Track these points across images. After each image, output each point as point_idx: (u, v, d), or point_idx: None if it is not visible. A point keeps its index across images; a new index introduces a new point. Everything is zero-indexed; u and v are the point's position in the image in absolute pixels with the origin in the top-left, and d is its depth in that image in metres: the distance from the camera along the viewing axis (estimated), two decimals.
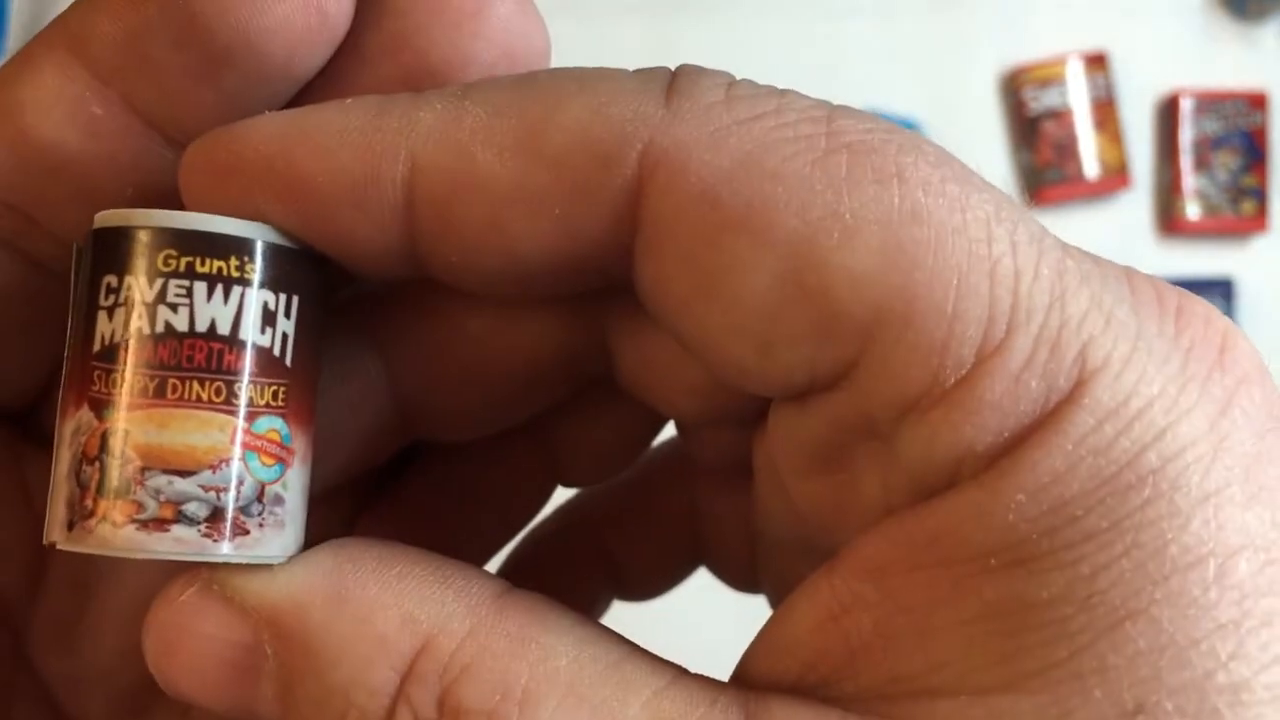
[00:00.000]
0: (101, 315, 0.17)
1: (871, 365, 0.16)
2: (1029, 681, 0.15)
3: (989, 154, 0.96)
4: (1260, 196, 0.96)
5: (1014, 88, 0.95)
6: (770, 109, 0.16)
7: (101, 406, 0.16)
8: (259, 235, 0.17)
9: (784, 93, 0.17)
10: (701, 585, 0.27)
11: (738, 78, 0.17)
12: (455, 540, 0.23)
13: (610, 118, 0.16)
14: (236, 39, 0.17)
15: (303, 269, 0.18)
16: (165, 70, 0.17)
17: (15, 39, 0.88)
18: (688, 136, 0.16)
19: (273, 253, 0.17)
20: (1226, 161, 0.95)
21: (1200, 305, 0.17)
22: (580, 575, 0.26)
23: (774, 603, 0.23)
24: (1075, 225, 0.94)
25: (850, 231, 0.15)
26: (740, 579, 0.24)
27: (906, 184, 0.16)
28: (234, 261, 0.17)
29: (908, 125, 0.94)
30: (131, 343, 0.16)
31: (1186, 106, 0.95)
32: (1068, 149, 0.94)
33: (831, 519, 0.18)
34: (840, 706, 0.16)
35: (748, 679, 0.17)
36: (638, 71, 0.17)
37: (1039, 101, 0.94)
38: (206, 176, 0.17)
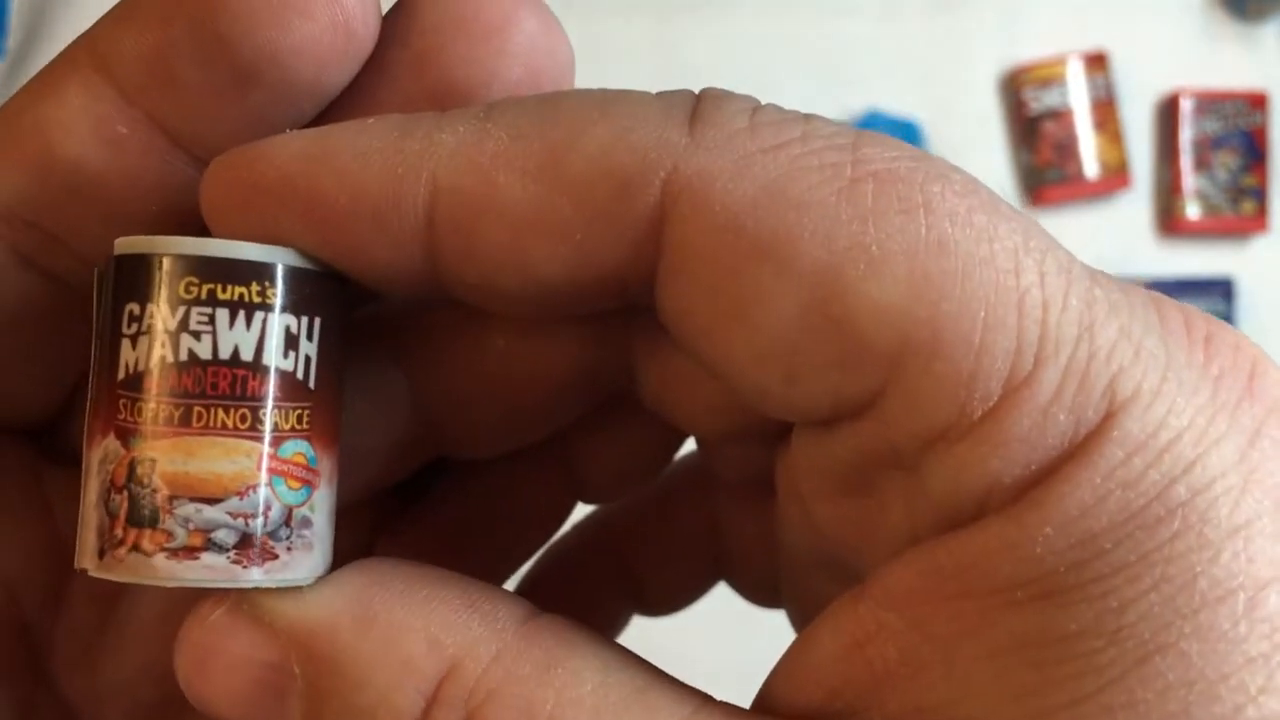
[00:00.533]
0: (125, 343, 0.17)
1: (897, 396, 0.16)
2: (1056, 715, 0.15)
3: (989, 154, 0.96)
4: (1260, 196, 0.96)
5: (1014, 88, 0.95)
6: (795, 136, 0.16)
7: (128, 435, 0.16)
8: (279, 260, 0.17)
9: (809, 118, 0.17)
10: (718, 603, 0.27)
11: (763, 103, 0.17)
12: (477, 557, 0.23)
13: (633, 145, 0.16)
14: (263, 57, 0.17)
15: (324, 291, 0.18)
16: (191, 89, 0.17)
17: (15, 39, 0.88)
18: (711, 165, 0.16)
19: (294, 276, 0.17)
20: (1226, 161, 0.95)
21: (1230, 333, 0.17)
22: (601, 591, 0.26)
23: (794, 619, 0.23)
24: (1075, 225, 0.94)
25: (876, 262, 0.15)
26: (761, 594, 0.24)
27: (933, 214, 0.15)
28: (255, 287, 0.17)
29: (908, 125, 0.94)
30: (155, 371, 0.16)
31: (1186, 106, 0.95)
32: (1068, 149, 0.94)
33: (855, 543, 0.18)
34: None
35: (771, 706, 0.17)
36: (661, 95, 0.17)
37: (1039, 101, 0.94)
38: (228, 195, 0.17)
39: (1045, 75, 0.94)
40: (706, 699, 0.17)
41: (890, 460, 0.16)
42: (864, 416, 0.16)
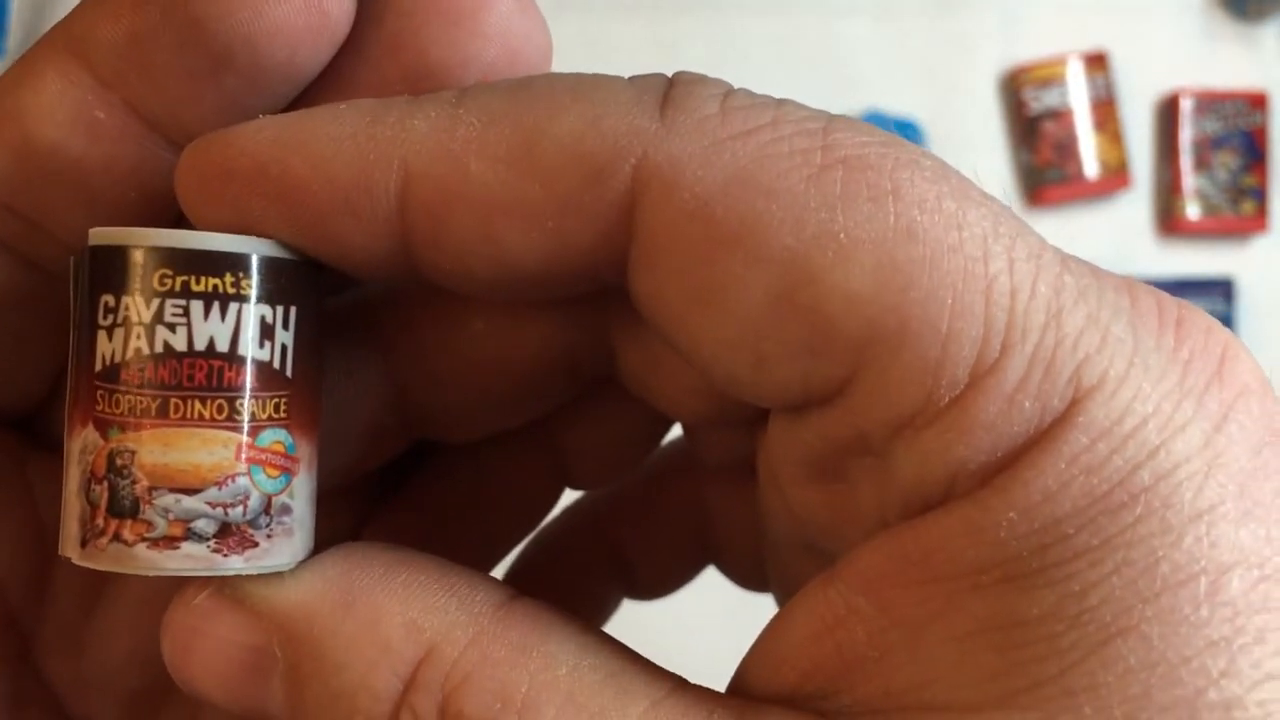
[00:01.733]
0: (101, 335, 0.17)
1: (866, 383, 0.16)
2: (1020, 698, 0.15)
3: (989, 154, 0.96)
4: (1260, 196, 0.96)
5: (1014, 88, 0.95)
6: (766, 122, 0.16)
7: (106, 426, 0.17)
8: (253, 250, 0.17)
9: (781, 103, 0.17)
10: (702, 589, 0.27)
11: (735, 86, 0.17)
12: (464, 542, 0.23)
13: (603, 131, 0.16)
14: (238, 40, 0.17)
15: (299, 279, 0.18)
16: (167, 73, 0.17)
17: (15, 39, 0.88)
18: (681, 151, 0.16)
19: (268, 266, 0.17)
20: (1226, 161, 0.95)
21: (1201, 317, 0.17)
22: (590, 576, 0.26)
23: (780, 602, 0.23)
24: (1075, 225, 0.94)
25: (844, 250, 0.15)
26: (748, 578, 0.25)
27: (902, 201, 0.15)
28: (229, 278, 0.17)
29: (908, 125, 0.94)
30: (132, 363, 0.17)
31: (1186, 106, 0.95)
32: (1068, 149, 0.94)
33: (829, 526, 0.18)
34: None
35: (745, 689, 0.17)
36: (634, 80, 0.17)
37: (1039, 101, 0.94)
38: (201, 181, 0.17)
39: (1045, 75, 0.94)
40: (681, 682, 0.17)
41: (860, 446, 0.16)
42: (834, 403, 0.16)
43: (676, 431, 0.23)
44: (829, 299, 0.15)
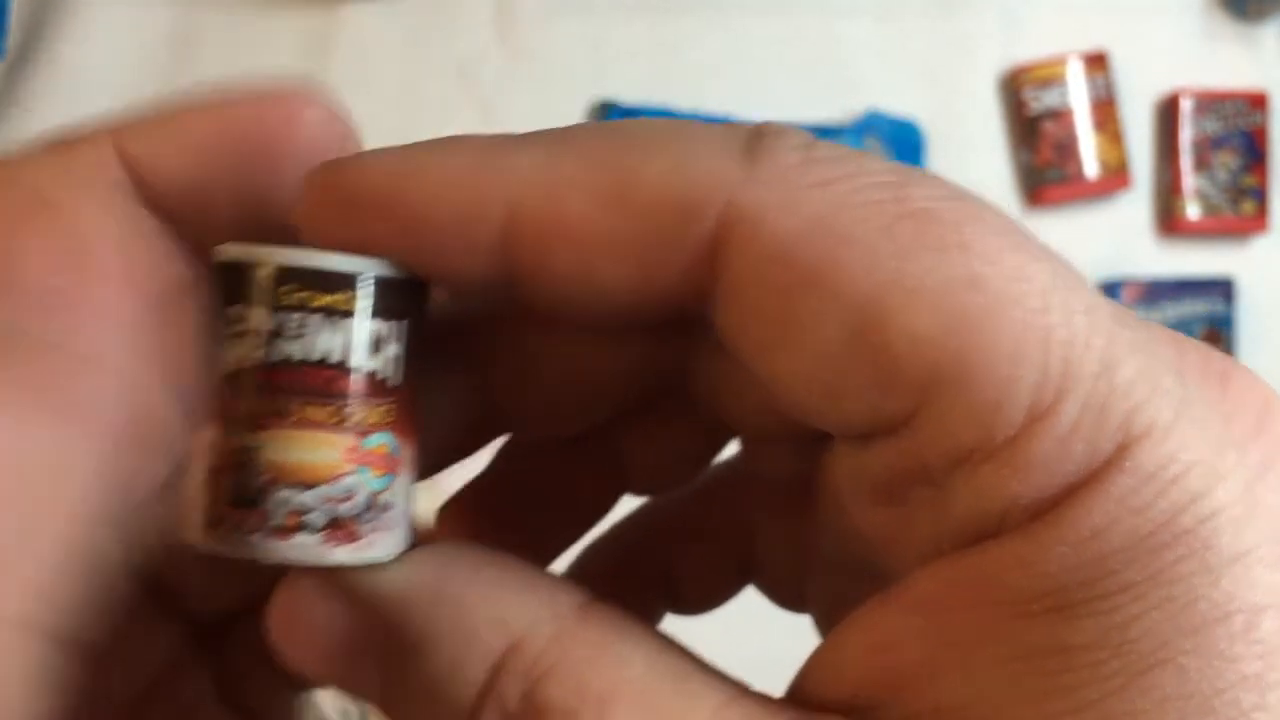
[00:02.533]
0: (229, 341, 0.19)
1: (928, 419, 0.17)
2: (1062, 719, 0.16)
3: (989, 154, 0.96)
4: (1260, 196, 0.96)
5: (1014, 88, 0.95)
6: (844, 173, 0.18)
7: (232, 425, 0.19)
8: (368, 270, 0.19)
9: (861, 156, 0.18)
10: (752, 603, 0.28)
11: (816, 139, 0.18)
12: (528, 535, 0.25)
13: (692, 177, 0.18)
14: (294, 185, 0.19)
15: (407, 296, 0.20)
16: (221, 215, 0.20)
17: (15, 39, 0.88)
18: (765, 198, 0.17)
19: (380, 285, 0.19)
20: (1226, 161, 0.95)
21: (1245, 373, 0.18)
22: (637, 587, 0.27)
23: (820, 621, 0.25)
24: (1075, 225, 0.94)
25: (913, 296, 0.17)
26: (787, 597, 0.26)
27: (968, 253, 0.17)
28: (345, 295, 0.19)
29: (908, 125, 0.94)
30: (255, 370, 0.19)
31: (1186, 106, 0.95)
32: (1068, 149, 0.94)
33: (885, 548, 0.19)
34: None
35: (802, 698, 0.19)
36: (722, 128, 0.19)
37: (1039, 101, 0.94)
38: (323, 206, 0.19)
39: (1045, 75, 0.94)
40: (744, 688, 0.18)
41: (920, 475, 0.18)
42: (898, 434, 0.17)
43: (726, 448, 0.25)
44: (897, 340, 0.17)
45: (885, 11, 0.95)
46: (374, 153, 0.19)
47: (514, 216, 0.18)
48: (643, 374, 0.22)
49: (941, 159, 0.93)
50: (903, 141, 0.91)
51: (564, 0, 0.91)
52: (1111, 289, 0.92)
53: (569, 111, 0.89)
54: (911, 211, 0.17)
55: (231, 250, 0.19)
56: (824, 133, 0.89)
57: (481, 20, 0.90)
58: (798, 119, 0.90)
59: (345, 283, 0.19)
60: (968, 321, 0.17)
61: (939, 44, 0.95)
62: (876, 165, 0.18)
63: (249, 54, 0.89)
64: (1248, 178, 0.96)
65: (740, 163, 0.18)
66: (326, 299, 0.18)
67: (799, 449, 0.22)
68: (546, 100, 0.89)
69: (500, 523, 0.25)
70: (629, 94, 0.89)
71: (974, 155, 0.95)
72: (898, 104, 0.93)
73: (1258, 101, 0.96)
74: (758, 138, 0.18)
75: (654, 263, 0.18)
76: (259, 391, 0.18)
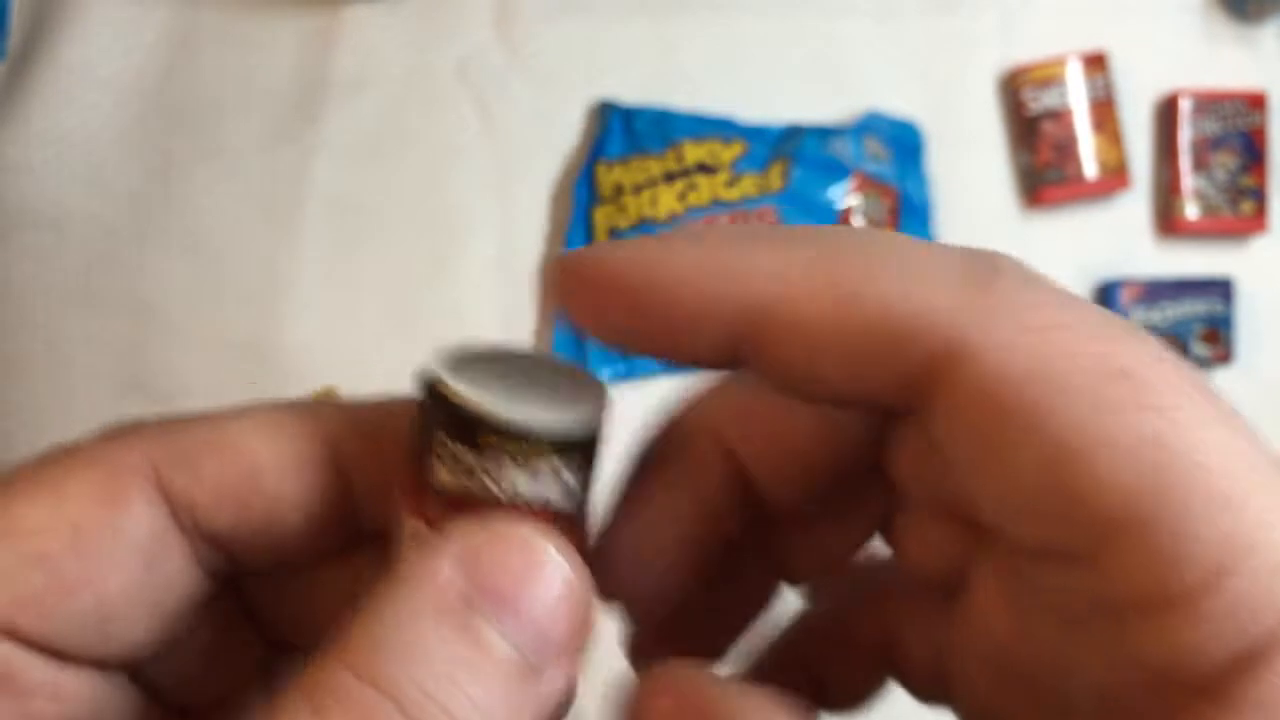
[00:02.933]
0: (434, 459, 0.22)
1: (1105, 560, 0.19)
2: None
3: (988, 154, 0.96)
4: (1259, 197, 0.96)
5: (1014, 88, 0.95)
6: (1063, 322, 0.19)
7: (433, 524, 0.22)
8: (561, 434, 0.22)
9: (1079, 305, 0.20)
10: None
11: (1036, 273, 0.20)
12: (703, 631, 0.28)
13: (918, 304, 0.20)
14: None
15: (590, 446, 0.23)
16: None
17: (15, 39, 0.88)
18: (987, 340, 0.19)
19: (571, 445, 0.22)
20: (1225, 162, 0.95)
21: None
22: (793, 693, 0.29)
23: (962, 714, 0.27)
24: (1074, 225, 0.94)
25: (1109, 447, 0.18)
26: (927, 692, 0.27)
27: (1164, 417, 0.18)
28: (538, 449, 0.21)
29: (908, 125, 0.93)
30: (453, 489, 0.22)
31: (1185, 107, 0.95)
32: (1067, 149, 0.94)
33: (1050, 657, 0.21)
34: None
35: None
36: (948, 255, 0.20)
37: (1038, 102, 0.94)
38: (577, 288, 0.22)
39: (1045, 75, 0.94)
40: None
41: (1094, 608, 0.19)
42: (1076, 564, 0.19)
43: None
44: (1090, 485, 0.18)
45: (885, 12, 0.95)
46: (623, 244, 0.21)
47: (750, 311, 0.20)
48: (856, 449, 0.24)
49: (941, 159, 0.93)
50: (902, 142, 0.91)
51: (564, 0, 0.90)
52: (1111, 289, 0.92)
53: (569, 111, 0.89)
54: (1121, 369, 0.19)
55: (449, 389, 0.21)
56: (824, 133, 0.89)
57: (481, 20, 0.90)
58: (798, 119, 0.90)
59: (537, 442, 0.21)
60: (1159, 480, 0.18)
61: (938, 44, 0.95)
62: (1093, 317, 0.20)
63: (249, 54, 0.89)
64: (1247, 178, 0.96)
65: (966, 293, 0.20)
66: (521, 449, 0.21)
67: (965, 540, 0.23)
68: (546, 100, 0.89)
69: (688, 630, 0.27)
70: (629, 94, 0.89)
71: (973, 155, 0.95)
72: (897, 104, 0.93)
73: (1257, 102, 0.96)
74: (989, 270, 0.20)
75: (871, 372, 0.20)
76: (456, 506, 0.22)
